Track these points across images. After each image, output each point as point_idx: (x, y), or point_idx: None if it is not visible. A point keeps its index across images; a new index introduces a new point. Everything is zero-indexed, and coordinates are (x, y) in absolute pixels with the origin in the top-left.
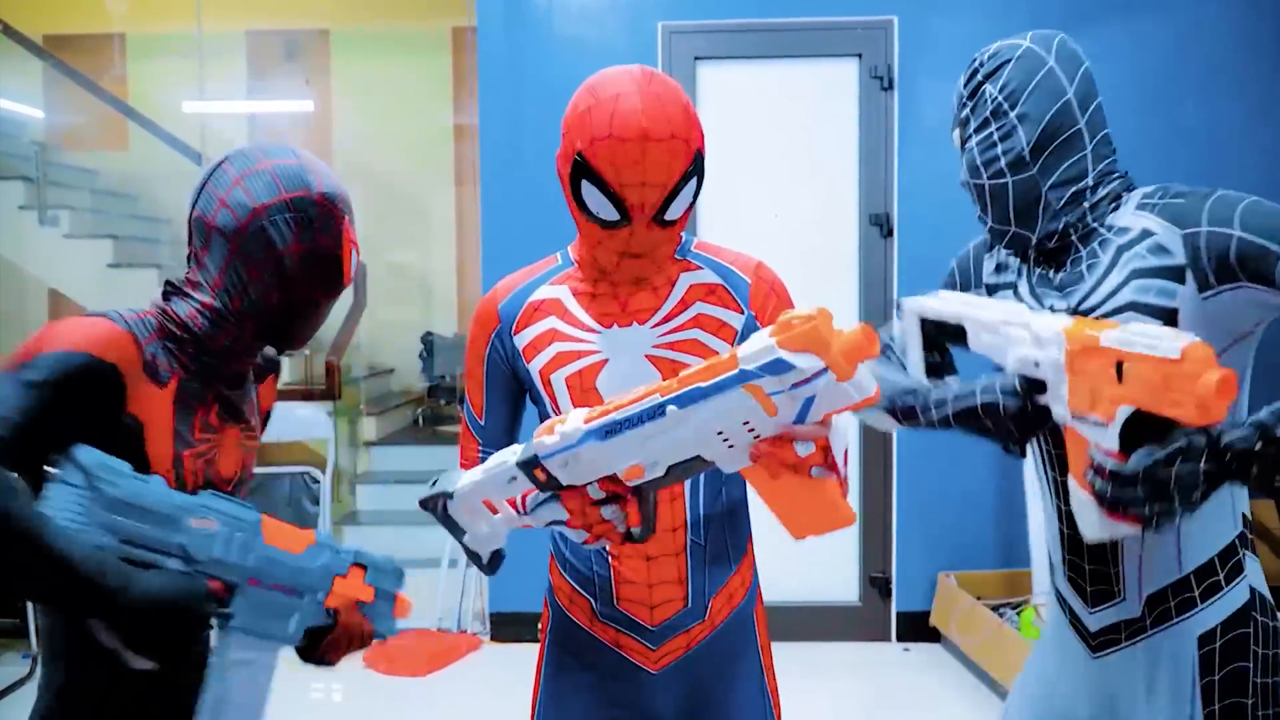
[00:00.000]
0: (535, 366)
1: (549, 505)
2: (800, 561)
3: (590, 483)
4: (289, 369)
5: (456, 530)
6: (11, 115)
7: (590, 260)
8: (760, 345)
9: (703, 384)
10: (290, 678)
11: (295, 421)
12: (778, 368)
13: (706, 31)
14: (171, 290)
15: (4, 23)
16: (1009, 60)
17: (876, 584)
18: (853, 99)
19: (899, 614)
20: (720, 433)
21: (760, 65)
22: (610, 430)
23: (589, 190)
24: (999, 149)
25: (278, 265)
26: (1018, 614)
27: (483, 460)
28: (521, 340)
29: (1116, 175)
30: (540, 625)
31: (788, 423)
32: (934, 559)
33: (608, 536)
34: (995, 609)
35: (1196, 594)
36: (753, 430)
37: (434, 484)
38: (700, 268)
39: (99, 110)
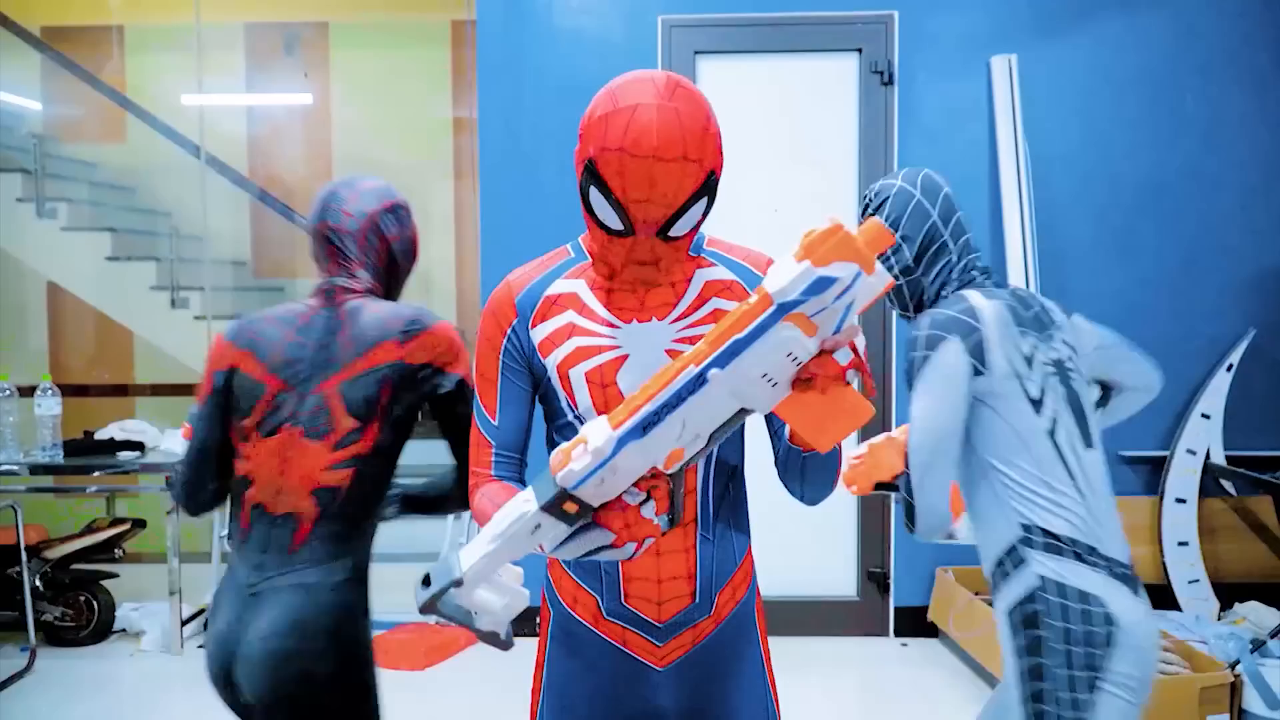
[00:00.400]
0: (553, 361)
1: (581, 537)
2: (799, 556)
3: (628, 489)
4: None
5: (467, 618)
6: (9, 107)
7: (601, 259)
8: (794, 272)
9: (740, 334)
10: None
11: None
12: (821, 286)
13: (707, 25)
14: (346, 277)
15: (2, 15)
16: (888, 197)
17: (874, 579)
18: (853, 94)
19: (897, 609)
20: (765, 375)
21: (760, 60)
22: (649, 424)
23: (596, 197)
24: (892, 261)
25: (389, 250)
26: None
27: (497, 465)
28: (539, 334)
29: (975, 270)
30: (539, 622)
31: (826, 336)
32: (932, 554)
33: (652, 535)
34: (993, 604)
35: (999, 580)
36: (795, 359)
37: (426, 581)
38: (714, 264)
39: (97, 102)
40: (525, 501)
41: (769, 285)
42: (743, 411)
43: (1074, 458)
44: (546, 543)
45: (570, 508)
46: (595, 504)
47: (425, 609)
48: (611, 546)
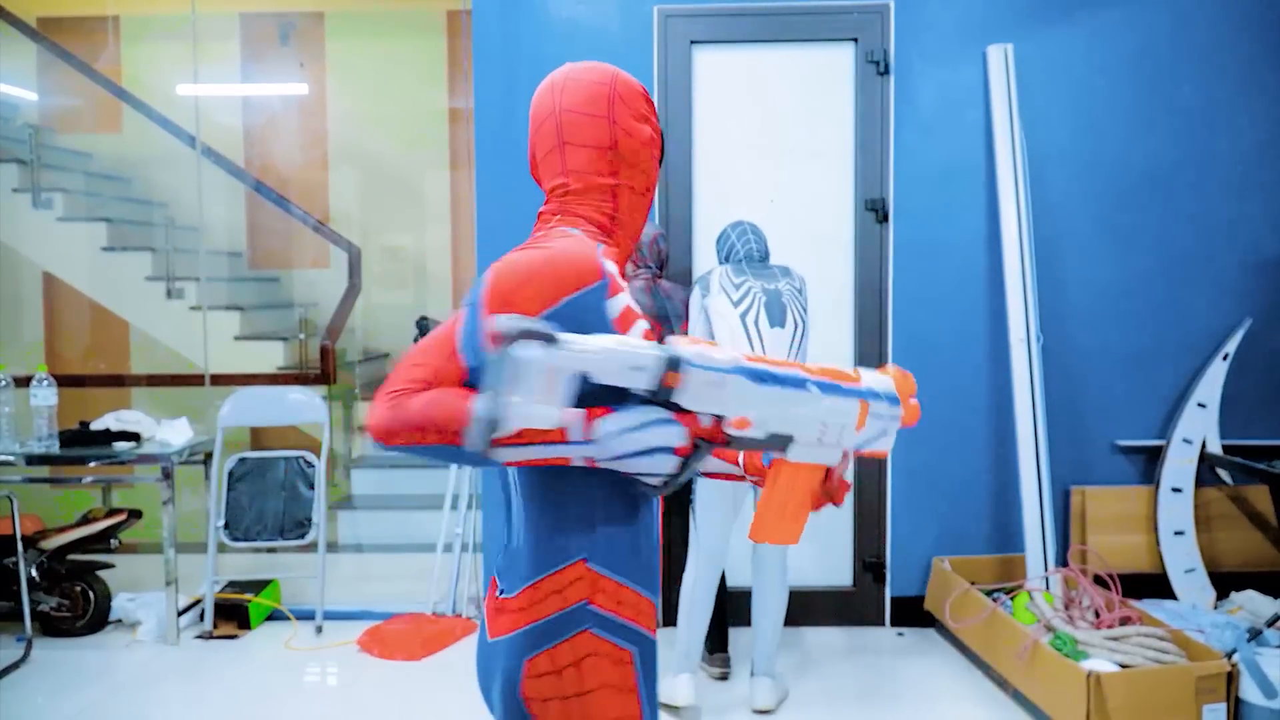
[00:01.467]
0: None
1: (650, 429)
2: (795, 546)
3: (711, 415)
4: (284, 353)
5: (504, 381)
6: (5, 98)
7: (628, 249)
8: (882, 380)
9: (839, 383)
10: (287, 662)
11: (290, 406)
12: (895, 400)
13: (703, 15)
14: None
15: None
16: (719, 238)
17: (870, 569)
18: (849, 84)
19: (893, 599)
20: (824, 425)
21: (756, 49)
22: (761, 377)
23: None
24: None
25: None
26: (1011, 599)
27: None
28: (613, 308)
29: (741, 258)
30: (604, 657)
31: (859, 443)
32: (928, 544)
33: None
34: (989, 594)
35: None
36: (841, 437)
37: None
38: None
39: (93, 93)
40: (640, 343)
41: (863, 373)
42: (791, 441)
43: (755, 331)
44: (618, 412)
45: (672, 380)
46: (681, 400)
47: (504, 332)
48: (671, 453)
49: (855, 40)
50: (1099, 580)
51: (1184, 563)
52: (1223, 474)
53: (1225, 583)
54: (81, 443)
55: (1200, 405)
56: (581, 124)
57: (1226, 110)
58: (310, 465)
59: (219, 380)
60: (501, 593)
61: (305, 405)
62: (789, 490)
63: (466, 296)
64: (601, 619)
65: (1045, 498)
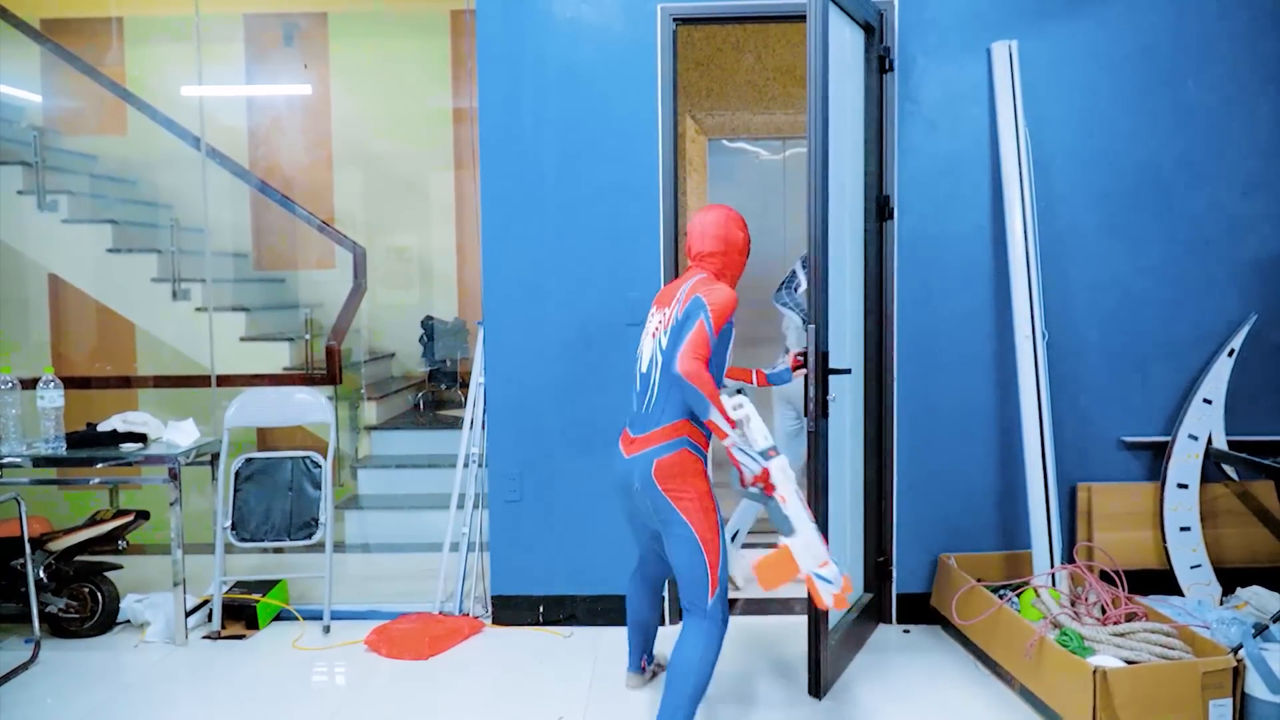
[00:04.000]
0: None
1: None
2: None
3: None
4: (289, 354)
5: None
6: (10, 100)
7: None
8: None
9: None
10: (294, 662)
11: (296, 406)
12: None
13: (707, 17)
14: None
15: (2, 7)
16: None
17: (876, 566)
18: (858, 79)
19: (899, 596)
20: (814, 555)
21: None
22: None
23: None
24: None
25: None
26: (1017, 596)
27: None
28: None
29: None
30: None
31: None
32: (934, 541)
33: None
34: (995, 590)
35: None
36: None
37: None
38: None
39: (97, 94)
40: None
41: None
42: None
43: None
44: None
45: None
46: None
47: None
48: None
49: (866, 30)
50: (1105, 576)
51: (1190, 558)
52: (1229, 469)
53: (1231, 578)
54: (88, 444)
55: (1206, 401)
56: (718, 233)
57: (1231, 106)
58: (317, 465)
59: (225, 381)
60: (637, 432)
61: (311, 405)
62: (779, 567)
63: (690, 307)
64: (691, 444)
65: (1051, 494)
